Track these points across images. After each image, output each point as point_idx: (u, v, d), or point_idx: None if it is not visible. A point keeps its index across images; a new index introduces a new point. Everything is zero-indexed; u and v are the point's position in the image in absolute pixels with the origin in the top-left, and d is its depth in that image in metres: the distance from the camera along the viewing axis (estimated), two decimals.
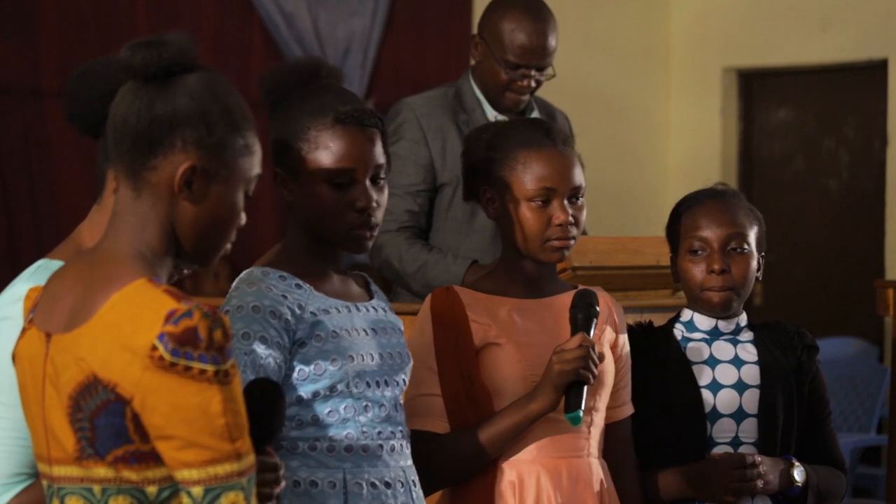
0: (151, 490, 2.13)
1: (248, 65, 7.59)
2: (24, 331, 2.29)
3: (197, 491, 2.10)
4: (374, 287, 3.00)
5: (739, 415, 3.34)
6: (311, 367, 2.78)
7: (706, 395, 3.34)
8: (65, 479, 2.18)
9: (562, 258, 3.16)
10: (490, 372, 3.12)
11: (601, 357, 3.08)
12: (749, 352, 3.40)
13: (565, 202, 3.13)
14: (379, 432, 2.83)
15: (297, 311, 2.79)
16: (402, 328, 2.99)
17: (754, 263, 3.39)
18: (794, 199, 9.04)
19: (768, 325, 3.47)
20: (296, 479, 2.75)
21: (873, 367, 7.82)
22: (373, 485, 2.81)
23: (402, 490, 2.85)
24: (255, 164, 2.30)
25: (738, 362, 3.38)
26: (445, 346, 3.12)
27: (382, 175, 2.87)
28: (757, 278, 3.41)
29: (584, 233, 4.41)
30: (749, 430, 3.34)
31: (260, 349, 2.73)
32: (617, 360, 3.24)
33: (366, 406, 2.82)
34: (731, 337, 3.42)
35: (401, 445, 2.88)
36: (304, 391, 2.78)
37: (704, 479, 3.27)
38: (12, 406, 2.51)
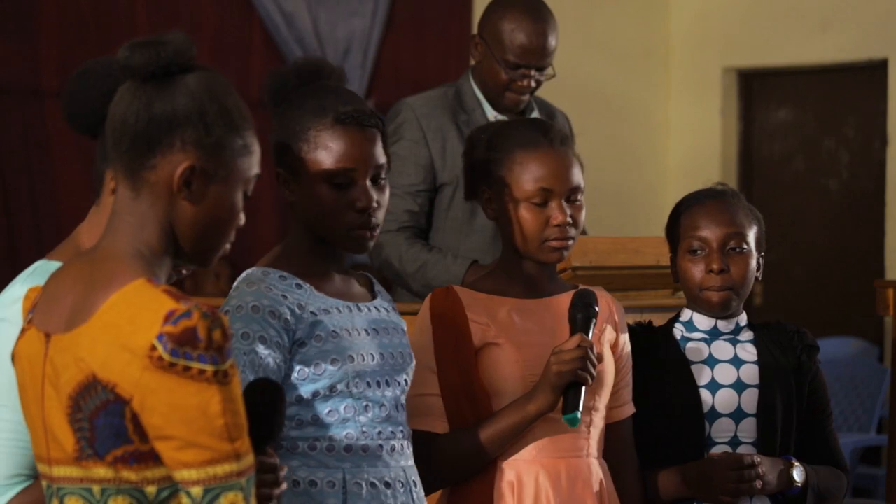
0: (151, 490, 2.13)
1: (248, 65, 7.60)
2: (23, 331, 2.29)
3: (196, 491, 2.10)
4: (378, 287, 3.00)
5: (738, 414, 3.34)
6: (311, 366, 2.78)
7: (705, 394, 3.34)
8: (64, 480, 2.18)
9: (561, 258, 3.16)
10: (489, 372, 3.12)
11: (600, 357, 3.08)
12: (749, 351, 3.40)
13: (563, 202, 3.13)
14: (379, 432, 2.83)
15: (297, 311, 2.79)
16: (406, 328, 2.99)
17: (753, 263, 3.39)
18: (794, 199, 9.04)
19: (768, 325, 3.47)
20: (295, 478, 2.75)
21: (873, 367, 7.82)
22: (372, 485, 2.81)
23: (402, 490, 2.85)
24: (253, 164, 2.30)
25: (737, 362, 3.38)
26: (445, 346, 3.12)
27: (383, 175, 2.87)
28: (756, 278, 3.42)
29: (584, 233, 4.42)
30: (748, 429, 3.34)
31: (259, 349, 2.73)
32: (617, 359, 3.24)
33: (366, 406, 2.82)
34: (731, 337, 3.42)
35: (401, 445, 2.88)
36: (304, 391, 2.78)
37: (703, 479, 3.27)
38: (11, 408, 2.52)
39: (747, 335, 3.43)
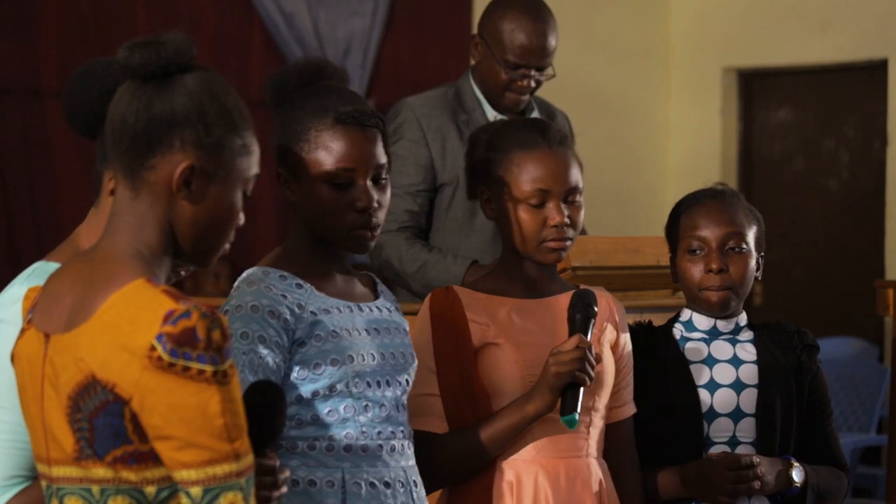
0: (150, 490, 2.13)
1: (248, 65, 7.60)
2: (23, 331, 2.29)
3: (196, 491, 2.10)
4: (381, 287, 3.00)
5: (737, 414, 3.34)
6: (311, 366, 2.78)
7: (703, 394, 3.34)
8: (64, 480, 2.18)
9: (559, 259, 3.15)
10: (489, 372, 3.12)
11: (598, 358, 3.08)
12: (748, 351, 3.40)
13: (561, 203, 3.13)
14: (379, 432, 2.83)
15: (297, 311, 2.79)
16: (408, 328, 2.99)
17: (753, 263, 3.39)
18: (794, 199, 9.04)
19: (768, 325, 3.47)
20: (294, 478, 2.75)
21: (873, 367, 7.82)
22: (371, 484, 2.81)
23: (401, 490, 2.85)
24: (253, 164, 2.30)
25: (736, 362, 3.38)
26: (444, 346, 3.12)
27: (384, 175, 2.87)
28: (756, 278, 3.42)
29: (583, 233, 4.43)
30: (747, 429, 3.34)
31: (258, 349, 2.73)
32: (618, 359, 3.24)
33: (366, 406, 2.82)
34: (731, 337, 3.42)
35: (402, 445, 2.88)
36: (304, 391, 2.78)
37: (701, 479, 3.27)
38: (9, 409, 2.52)
39: (747, 335, 3.43)
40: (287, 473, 2.39)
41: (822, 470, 3.38)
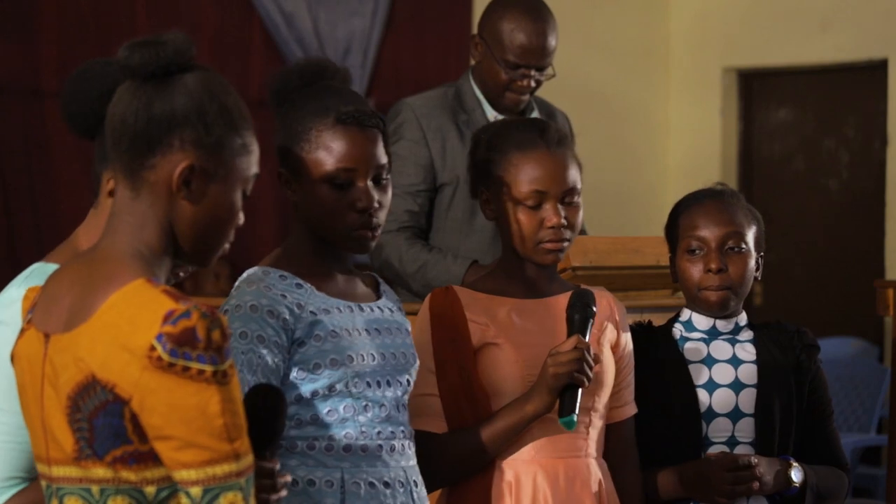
0: (150, 490, 2.13)
1: (248, 65, 7.60)
2: (22, 331, 2.29)
3: (195, 491, 2.10)
4: (383, 287, 3.00)
5: (735, 414, 3.34)
6: (310, 366, 2.78)
7: (702, 394, 3.34)
8: (63, 480, 2.18)
9: (556, 260, 3.15)
10: (488, 372, 3.12)
11: (597, 359, 3.07)
12: (748, 351, 3.40)
13: (559, 204, 3.12)
14: (378, 432, 2.83)
15: (296, 311, 2.79)
16: (410, 328, 2.99)
17: (752, 263, 3.39)
18: (794, 199, 9.04)
19: (768, 325, 3.47)
20: (294, 477, 2.75)
21: (873, 367, 7.82)
22: (371, 484, 2.81)
23: (401, 490, 2.85)
24: (252, 164, 2.30)
25: (735, 362, 3.38)
26: (444, 346, 3.12)
27: (385, 175, 2.87)
28: (756, 278, 3.41)
29: (583, 233, 4.43)
30: (746, 429, 3.34)
31: (257, 348, 2.73)
32: (619, 359, 3.24)
33: (365, 406, 2.82)
34: (730, 336, 3.41)
35: (402, 446, 2.88)
36: (303, 390, 2.78)
37: (699, 479, 3.27)
38: (7, 410, 2.52)
39: (747, 335, 3.43)
40: (288, 478, 2.38)
41: (821, 470, 3.38)
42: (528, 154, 3.13)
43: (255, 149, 2.29)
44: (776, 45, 8.94)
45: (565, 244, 3.14)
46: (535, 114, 4.39)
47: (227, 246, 2.31)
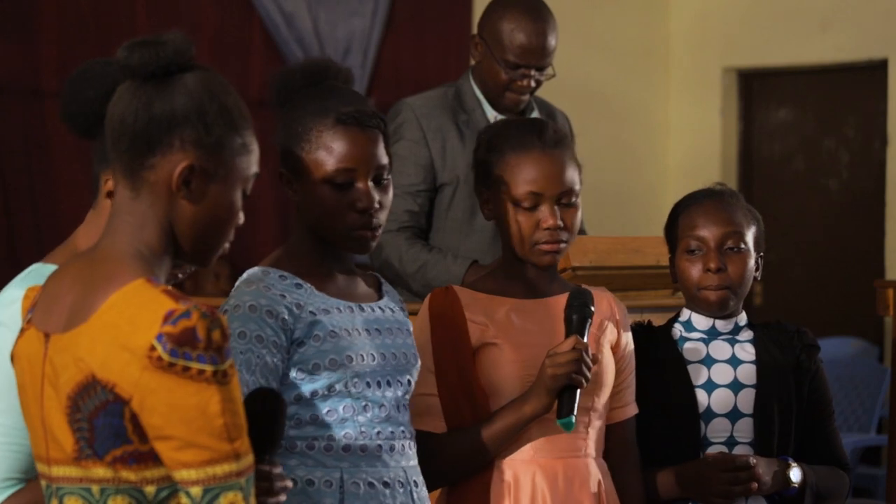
0: (150, 490, 2.13)
1: (248, 65, 7.60)
2: (22, 331, 2.29)
3: (196, 491, 2.10)
4: (386, 287, 3.00)
5: (734, 414, 3.34)
6: (310, 366, 2.78)
7: (701, 394, 3.34)
8: (63, 480, 2.18)
9: (553, 261, 3.15)
10: (487, 372, 3.12)
11: (595, 359, 3.07)
12: (747, 351, 3.40)
13: (555, 206, 3.12)
14: (378, 432, 2.83)
15: (295, 311, 2.79)
16: (412, 329, 2.99)
17: (752, 263, 3.39)
18: (794, 199, 9.04)
19: (768, 325, 3.47)
20: (293, 477, 2.75)
21: (873, 367, 7.82)
22: (370, 484, 2.81)
23: (401, 490, 2.85)
24: (252, 163, 2.30)
25: (734, 362, 3.38)
26: (443, 345, 3.12)
27: (386, 176, 2.87)
28: (755, 278, 3.41)
29: (583, 233, 4.43)
30: (745, 429, 3.34)
31: (256, 348, 2.73)
32: (620, 359, 3.24)
33: (365, 406, 2.82)
34: (730, 337, 3.41)
35: (402, 446, 2.87)
36: (303, 390, 2.78)
37: (697, 479, 3.27)
38: (5, 411, 2.52)
39: (746, 335, 3.43)
40: (289, 483, 2.38)
41: (821, 470, 3.38)
42: (525, 155, 3.13)
43: (255, 148, 2.29)
44: (776, 45, 8.94)
45: (562, 246, 3.13)
46: (535, 114, 4.40)
47: (227, 246, 2.31)
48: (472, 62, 4.40)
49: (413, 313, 3.20)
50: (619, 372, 3.23)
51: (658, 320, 3.47)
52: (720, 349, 3.40)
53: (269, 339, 2.75)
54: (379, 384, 2.84)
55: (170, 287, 2.15)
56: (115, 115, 2.24)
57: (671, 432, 3.33)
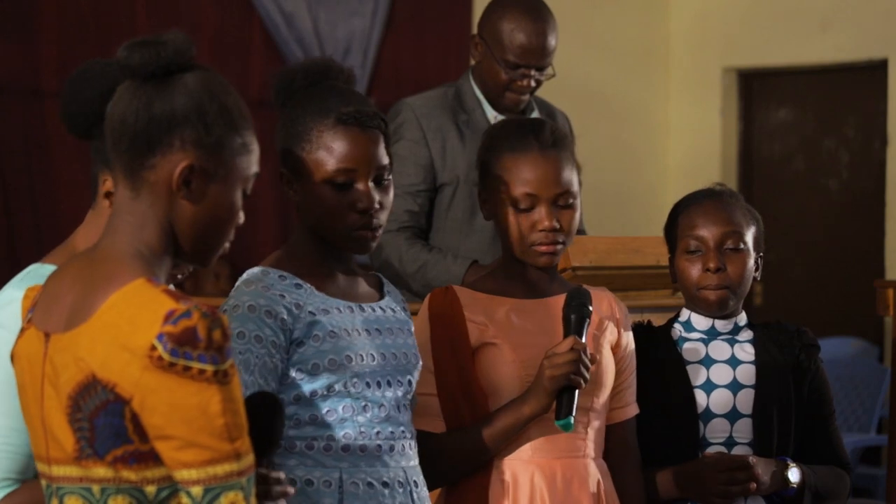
0: (150, 490, 2.13)
1: (248, 65, 7.60)
2: (23, 330, 2.29)
3: (196, 491, 2.10)
4: (388, 287, 3.00)
5: (733, 415, 3.34)
6: (309, 366, 2.78)
7: (699, 395, 3.34)
8: (64, 479, 2.18)
9: (549, 262, 3.14)
10: (486, 372, 3.12)
11: (593, 359, 3.07)
12: (747, 351, 3.40)
13: (551, 207, 3.11)
14: (378, 432, 2.83)
15: (295, 311, 2.79)
16: (413, 329, 2.98)
17: (751, 262, 3.39)
18: (794, 199, 9.04)
19: (768, 325, 3.47)
20: (292, 477, 2.75)
21: (873, 367, 7.82)
22: (369, 484, 2.81)
23: (400, 490, 2.84)
24: (252, 163, 2.30)
25: (734, 362, 3.38)
26: (442, 345, 3.12)
27: (386, 176, 2.87)
28: (755, 278, 3.41)
29: (584, 233, 4.43)
30: (744, 430, 3.34)
31: (255, 348, 2.73)
32: (620, 359, 3.23)
33: (364, 406, 2.82)
34: (729, 337, 3.41)
35: (402, 446, 2.87)
36: (302, 390, 2.78)
37: (695, 479, 3.27)
38: (2, 412, 2.52)
39: (746, 335, 3.42)
40: (290, 490, 2.37)
41: (821, 470, 3.38)
42: (521, 156, 3.12)
43: (255, 148, 2.30)
44: (776, 45, 8.94)
45: (558, 247, 3.13)
46: (535, 114, 4.39)
47: (227, 245, 2.31)
48: (472, 62, 4.40)
49: (413, 313, 3.20)
50: (619, 372, 3.23)
51: (658, 320, 3.47)
52: (719, 349, 3.40)
53: (268, 339, 2.75)
54: (379, 384, 2.84)
55: (170, 287, 2.15)
56: (115, 115, 2.24)
57: (670, 433, 3.33)
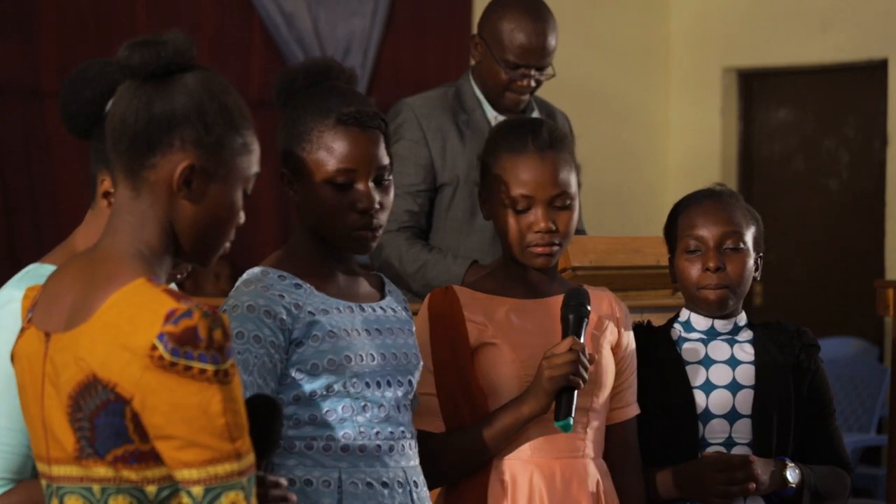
0: (151, 489, 2.13)
1: (248, 65, 7.60)
2: (23, 330, 2.29)
3: (197, 490, 2.10)
4: (389, 287, 3.00)
5: (732, 415, 3.34)
6: (308, 366, 2.78)
7: (699, 395, 3.34)
8: (64, 479, 2.18)
9: (546, 263, 3.14)
10: (486, 371, 3.12)
11: (592, 359, 3.07)
12: (746, 352, 3.40)
13: (547, 208, 3.11)
14: (377, 432, 2.83)
15: (294, 311, 2.78)
16: (414, 329, 2.98)
17: (751, 262, 3.39)
18: (794, 199, 9.04)
19: (768, 325, 3.46)
20: (291, 477, 2.75)
21: (873, 367, 7.82)
22: (369, 484, 2.81)
23: (400, 491, 2.84)
24: (253, 163, 2.30)
25: (733, 362, 3.38)
26: (442, 345, 3.12)
27: (387, 177, 2.87)
28: (755, 278, 3.41)
29: (584, 233, 4.43)
30: (743, 430, 3.33)
31: (254, 348, 2.73)
32: (621, 359, 3.23)
33: (364, 406, 2.82)
34: (729, 337, 3.41)
35: (402, 446, 2.87)
36: (301, 391, 2.78)
37: (694, 479, 3.27)
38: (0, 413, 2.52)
39: (746, 335, 3.42)
40: (292, 497, 2.37)
41: (821, 470, 3.38)
42: (517, 157, 3.12)
43: (255, 148, 2.30)
44: (776, 45, 8.94)
45: (554, 248, 3.12)
46: (536, 114, 4.40)
47: (227, 245, 2.31)
48: (472, 62, 4.40)
49: (413, 313, 3.20)
50: (620, 372, 3.23)
51: (658, 320, 3.47)
52: (719, 350, 3.40)
53: (267, 340, 2.75)
54: (378, 384, 2.84)
55: (171, 286, 2.15)
56: (115, 115, 2.24)
57: (669, 433, 3.33)
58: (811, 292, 8.95)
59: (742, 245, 3.36)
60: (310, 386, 2.78)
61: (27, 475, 2.55)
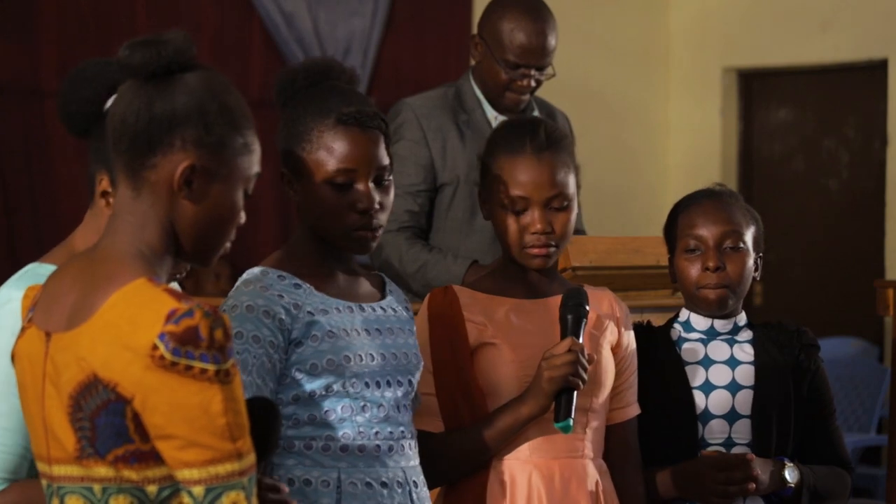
0: (152, 489, 2.13)
1: (248, 65, 7.60)
2: (23, 330, 2.29)
3: (198, 490, 2.10)
4: (390, 287, 2.99)
5: (732, 416, 3.34)
6: (308, 366, 2.78)
7: (698, 395, 3.34)
8: (65, 479, 2.18)
9: (543, 264, 3.14)
10: (485, 371, 3.12)
11: (591, 359, 3.07)
12: (746, 352, 3.40)
13: (544, 210, 3.10)
14: (377, 432, 2.83)
15: (293, 311, 2.78)
16: (415, 329, 2.98)
17: (751, 262, 3.39)
18: (794, 199, 9.04)
19: (768, 325, 3.46)
20: (290, 477, 2.75)
21: (873, 367, 7.82)
22: (368, 484, 2.81)
23: (399, 491, 2.84)
24: (254, 163, 2.30)
25: (733, 363, 3.38)
26: (441, 345, 3.12)
27: (387, 177, 2.87)
28: (755, 278, 3.41)
29: (583, 233, 4.43)
30: (742, 430, 3.33)
31: (253, 349, 2.73)
32: (621, 360, 3.23)
33: (363, 406, 2.82)
34: (729, 337, 3.41)
35: (402, 446, 2.87)
36: (301, 390, 2.78)
37: (693, 479, 3.27)
38: None
39: (746, 335, 3.42)
40: (293, 503, 2.37)
41: (821, 469, 3.38)
42: (514, 158, 3.12)
43: (256, 148, 2.30)
44: (776, 45, 8.94)
45: (551, 250, 3.12)
46: (535, 114, 4.40)
47: (228, 245, 2.31)
48: (472, 62, 4.40)
49: (413, 313, 3.20)
50: (620, 372, 3.23)
51: (658, 320, 3.47)
52: (719, 350, 3.39)
53: (266, 340, 2.75)
54: (378, 384, 2.84)
55: (171, 286, 2.15)
56: (115, 115, 2.24)
57: (669, 433, 3.33)
58: (811, 292, 8.95)
59: (742, 245, 3.36)
60: (309, 386, 2.78)
61: (23, 475, 2.55)
